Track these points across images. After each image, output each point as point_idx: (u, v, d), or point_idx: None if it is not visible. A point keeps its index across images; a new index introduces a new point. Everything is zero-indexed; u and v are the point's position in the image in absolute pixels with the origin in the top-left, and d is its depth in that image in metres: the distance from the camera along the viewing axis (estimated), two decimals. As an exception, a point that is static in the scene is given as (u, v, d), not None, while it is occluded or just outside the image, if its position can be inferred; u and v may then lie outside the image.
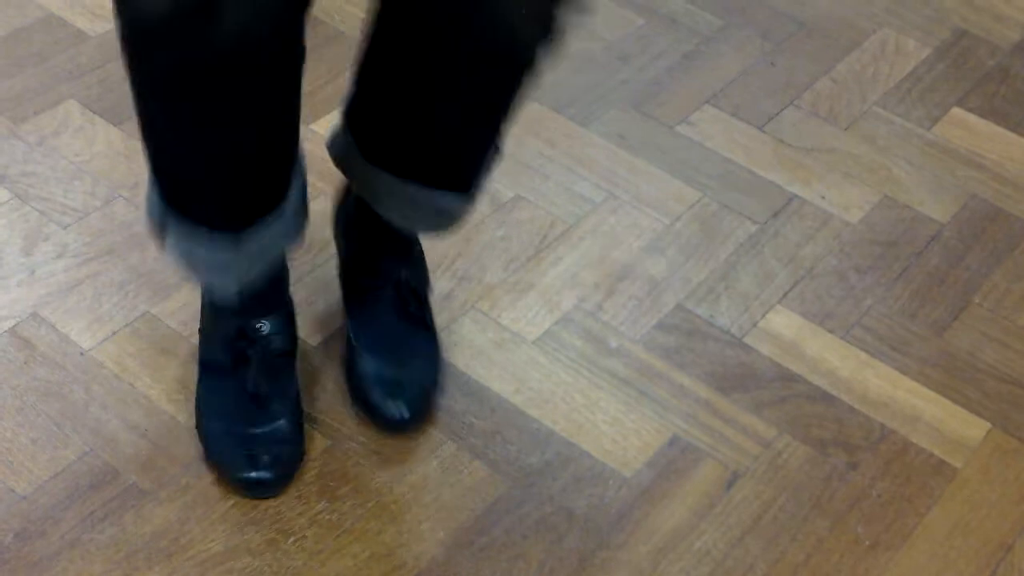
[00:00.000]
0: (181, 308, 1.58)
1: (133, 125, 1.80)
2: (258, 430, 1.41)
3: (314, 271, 1.64)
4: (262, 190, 1.30)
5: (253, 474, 1.40)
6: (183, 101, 1.18)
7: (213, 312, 1.45)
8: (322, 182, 1.68)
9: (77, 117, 1.83)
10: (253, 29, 1.10)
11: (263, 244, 1.31)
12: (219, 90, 1.15)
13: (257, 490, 1.41)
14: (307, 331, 1.56)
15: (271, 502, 1.40)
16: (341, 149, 1.39)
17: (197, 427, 1.44)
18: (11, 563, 1.34)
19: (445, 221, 1.38)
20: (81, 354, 1.53)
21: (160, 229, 1.32)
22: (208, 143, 1.22)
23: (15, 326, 1.55)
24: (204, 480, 1.42)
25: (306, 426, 1.46)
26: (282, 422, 1.42)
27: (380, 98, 1.30)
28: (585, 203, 1.77)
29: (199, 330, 1.48)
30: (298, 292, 1.60)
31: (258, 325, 1.41)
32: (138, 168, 1.75)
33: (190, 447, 1.45)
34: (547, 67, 1.24)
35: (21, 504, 1.39)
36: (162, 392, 1.50)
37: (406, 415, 1.45)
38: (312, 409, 1.49)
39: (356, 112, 1.35)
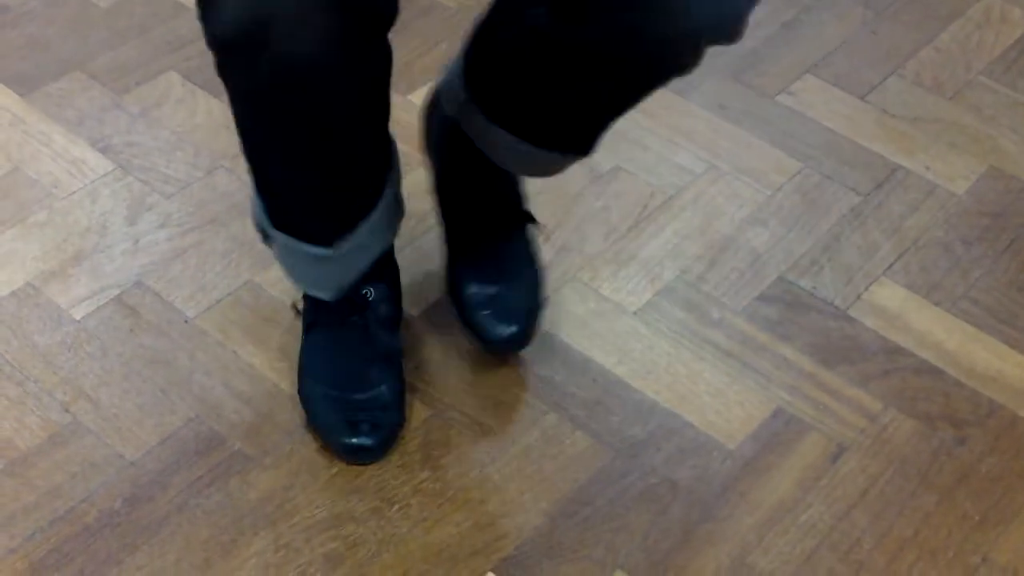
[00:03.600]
0: (284, 277, 1.59)
1: (233, 96, 1.83)
2: (360, 396, 1.42)
3: (414, 242, 1.64)
4: (353, 200, 1.32)
5: (354, 440, 1.40)
6: (259, 118, 1.22)
7: None
8: (419, 153, 1.67)
9: (178, 88, 1.84)
10: (307, 56, 1.11)
11: (357, 247, 1.34)
12: (288, 110, 1.18)
13: (358, 455, 1.41)
14: (408, 302, 1.56)
15: (375, 470, 1.41)
16: (456, 100, 1.38)
17: (299, 391, 1.45)
18: (121, 527, 1.35)
19: (558, 171, 1.41)
20: (185, 322, 1.54)
21: (264, 238, 1.38)
22: (289, 159, 1.25)
23: (120, 294, 1.57)
24: (308, 447, 1.43)
25: (408, 396, 1.46)
26: (383, 388, 1.42)
27: (513, 71, 1.29)
28: (685, 174, 1.76)
29: (304, 293, 1.48)
30: (399, 263, 1.60)
31: (364, 291, 1.42)
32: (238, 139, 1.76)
33: (294, 414, 1.45)
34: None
35: (130, 470, 1.40)
36: (265, 360, 1.51)
37: (512, 334, 1.46)
38: (414, 379, 1.49)
39: (478, 74, 1.34)
